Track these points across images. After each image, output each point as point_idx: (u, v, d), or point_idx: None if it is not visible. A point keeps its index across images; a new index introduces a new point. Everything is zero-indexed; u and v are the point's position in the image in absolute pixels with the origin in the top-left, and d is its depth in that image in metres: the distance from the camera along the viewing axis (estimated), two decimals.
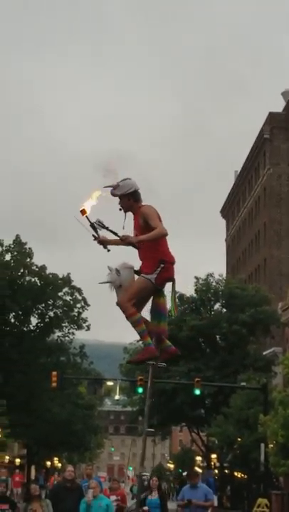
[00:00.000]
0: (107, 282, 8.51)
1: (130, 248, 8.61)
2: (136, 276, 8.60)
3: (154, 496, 16.16)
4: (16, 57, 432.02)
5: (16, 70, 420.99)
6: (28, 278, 54.21)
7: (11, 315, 54.80)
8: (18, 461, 66.24)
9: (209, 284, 56.09)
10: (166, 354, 9.04)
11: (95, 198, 8.38)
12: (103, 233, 8.54)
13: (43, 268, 54.41)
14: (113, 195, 8.51)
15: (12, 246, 54.59)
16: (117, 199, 8.55)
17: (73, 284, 59.52)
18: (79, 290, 59.63)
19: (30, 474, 67.14)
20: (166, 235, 8.50)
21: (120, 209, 8.57)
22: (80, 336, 61.50)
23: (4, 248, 55.49)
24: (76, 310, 59.18)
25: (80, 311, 59.55)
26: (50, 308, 56.17)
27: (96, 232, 8.45)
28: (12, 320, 55.40)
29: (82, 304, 59.48)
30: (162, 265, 8.51)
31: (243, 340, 52.64)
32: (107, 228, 8.40)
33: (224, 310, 56.03)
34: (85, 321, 59.81)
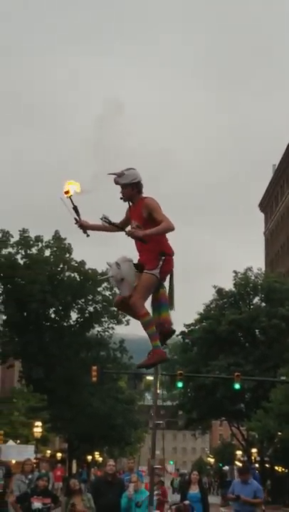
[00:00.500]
0: (109, 277, 8.40)
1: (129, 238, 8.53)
2: (134, 270, 8.47)
3: (194, 490, 16.20)
4: (60, 51, 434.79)
5: (61, 64, 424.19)
6: (67, 273, 54.60)
7: (52, 310, 55.24)
8: (59, 455, 66.67)
9: (248, 278, 55.95)
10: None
11: (78, 190, 8.28)
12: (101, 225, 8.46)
13: (82, 263, 54.74)
14: (117, 183, 8.44)
15: (51, 242, 55.02)
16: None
17: None
18: None
19: (72, 468, 67.69)
20: (173, 229, 8.42)
21: (121, 198, 8.51)
22: (120, 330, 61.77)
23: (44, 244, 55.94)
24: None
25: None
26: (90, 303, 56.52)
27: (78, 215, 8.41)
28: (52, 315, 55.85)
29: None
30: (163, 257, 8.47)
31: (282, 334, 52.42)
32: (113, 224, 8.33)
33: (263, 304, 55.84)
34: (124, 315, 60.09)
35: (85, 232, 8.59)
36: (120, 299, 8.64)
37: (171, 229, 8.41)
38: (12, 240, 57.00)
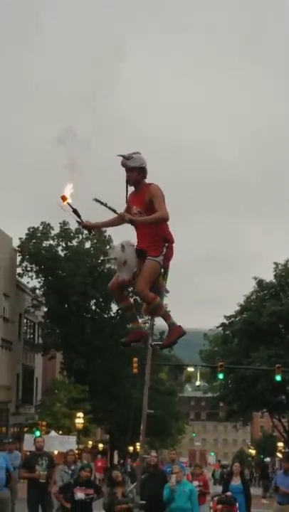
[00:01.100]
0: (112, 259, 8.40)
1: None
2: (136, 256, 8.47)
3: (236, 482, 16.18)
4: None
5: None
6: (108, 265, 54.78)
7: (92, 302, 55.50)
8: (100, 446, 67.06)
9: None
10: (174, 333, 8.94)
11: (69, 193, 8.24)
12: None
13: None
14: (124, 165, 8.38)
15: (92, 234, 55.19)
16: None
17: None
18: None
19: (113, 459, 68.01)
20: (167, 219, 8.41)
21: (127, 181, 8.46)
22: (160, 322, 61.72)
23: (84, 236, 56.18)
24: None
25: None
26: (130, 294, 56.60)
27: (79, 217, 8.39)
28: (93, 307, 56.11)
29: None
30: (166, 244, 8.52)
31: None
32: (105, 205, 8.20)
33: None
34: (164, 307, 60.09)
35: (89, 231, 8.78)
36: (117, 281, 8.55)
37: (164, 219, 8.38)
38: (53, 233, 57.39)
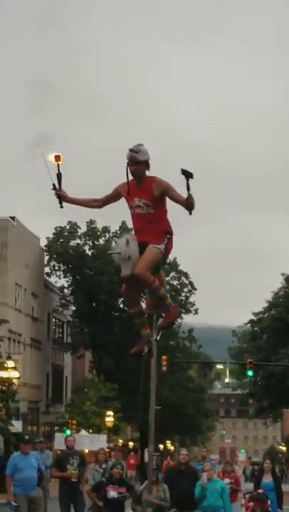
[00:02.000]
0: (116, 253, 8.23)
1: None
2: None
3: (268, 479, 16.11)
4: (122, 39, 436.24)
5: (123, 52, 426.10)
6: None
7: (120, 300, 55.58)
8: (131, 444, 67.17)
9: None
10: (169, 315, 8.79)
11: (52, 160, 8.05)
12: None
13: None
14: (134, 159, 8.22)
15: (118, 232, 55.26)
16: None
17: (180, 268, 59.86)
18: (186, 274, 59.95)
19: (144, 457, 68.01)
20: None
21: (133, 173, 8.26)
22: (188, 319, 61.75)
23: (111, 235, 56.27)
24: (183, 294, 59.49)
25: (188, 295, 59.88)
26: (159, 295, 56.60)
27: (59, 183, 8.19)
28: (121, 305, 56.18)
29: (190, 287, 59.77)
30: (168, 236, 8.43)
31: None
32: (190, 177, 7.91)
33: None
34: (192, 305, 60.10)
35: (60, 203, 8.41)
36: (129, 286, 8.45)
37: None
38: (80, 232, 57.54)
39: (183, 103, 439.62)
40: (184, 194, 8.01)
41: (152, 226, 8.35)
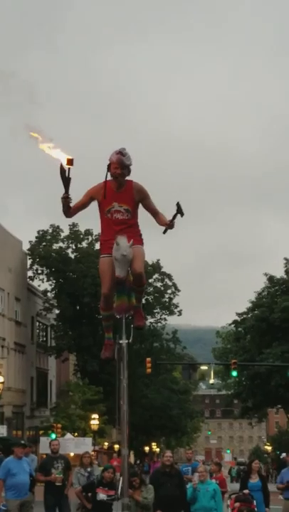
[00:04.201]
0: (122, 254, 8.10)
1: None
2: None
3: (255, 480, 16.14)
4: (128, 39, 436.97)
5: (126, 53, 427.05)
6: None
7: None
8: (116, 446, 67.09)
9: None
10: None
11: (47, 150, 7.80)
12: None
13: None
14: (122, 162, 8.12)
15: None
16: None
17: (163, 270, 59.89)
18: (169, 276, 59.98)
19: (129, 459, 67.94)
20: None
21: (117, 177, 8.16)
22: (172, 321, 61.80)
23: (94, 237, 56.22)
24: (167, 296, 59.54)
25: (171, 296, 59.93)
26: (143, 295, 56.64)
27: (67, 188, 7.95)
28: None
29: (173, 289, 59.82)
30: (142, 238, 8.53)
31: None
32: (181, 213, 8.18)
33: None
34: (176, 306, 60.16)
35: (67, 207, 8.19)
36: (111, 287, 8.41)
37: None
38: (62, 235, 57.46)
39: (180, 101, 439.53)
40: (168, 217, 8.24)
41: (132, 230, 8.36)
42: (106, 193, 8.22)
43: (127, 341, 8.76)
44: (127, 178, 8.30)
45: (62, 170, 7.80)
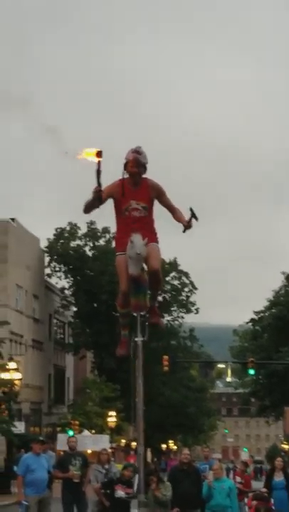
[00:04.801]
0: (136, 253, 8.10)
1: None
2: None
3: (279, 477, 16.00)
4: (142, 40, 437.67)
5: (146, 53, 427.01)
6: None
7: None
8: (134, 444, 67.13)
9: None
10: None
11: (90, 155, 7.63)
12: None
13: None
14: (138, 161, 8.19)
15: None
16: None
17: (180, 268, 59.86)
18: (186, 274, 59.95)
19: (146, 457, 68.06)
20: None
21: (134, 175, 8.22)
22: (189, 319, 61.75)
23: (111, 235, 56.29)
24: (184, 294, 59.52)
25: (188, 294, 59.90)
26: (159, 292, 56.61)
27: (99, 181, 7.83)
28: None
29: (190, 287, 59.79)
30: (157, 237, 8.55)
31: None
32: (195, 218, 8.24)
33: None
34: (193, 304, 60.11)
35: (98, 200, 8.12)
36: (127, 285, 8.44)
37: None
38: (80, 233, 57.57)
39: (192, 94, 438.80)
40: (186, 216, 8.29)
41: (148, 228, 8.42)
42: (124, 191, 8.27)
43: (142, 339, 8.75)
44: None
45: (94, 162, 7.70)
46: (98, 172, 7.74)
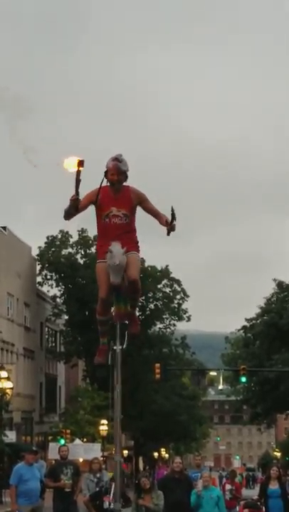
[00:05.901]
0: (117, 264, 8.15)
1: None
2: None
3: (274, 486, 15.97)
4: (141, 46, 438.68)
5: (142, 59, 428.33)
6: None
7: (112, 308, 55.56)
8: (125, 452, 67.00)
9: None
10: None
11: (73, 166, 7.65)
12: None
13: (142, 261, 54.92)
14: (119, 169, 8.18)
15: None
16: None
17: (172, 275, 59.86)
18: (178, 281, 59.94)
19: (138, 465, 67.95)
20: None
21: (114, 183, 8.21)
22: (181, 327, 61.72)
23: None
24: (176, 301, 59.49)
25: (180, 302, 59.88)
26: (151, 300, 56.60)
27: (77, 189, 7.84)
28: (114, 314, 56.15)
29: (182, 295, 59.77)
30: (138, 245, 8.57)
31: None
32: (174, 218, 8.18)
33: None
34: (185, 311, 60.09)
35: (74, 208, 8.13)
36: (108, 291, 8.53)
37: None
38: (71, 240, 57.53)
39: (190, 104, 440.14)
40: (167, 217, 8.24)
41: (129, 236, 8.43)
42: (104, 198, 8.26)
43: (121, 347, 8.80)
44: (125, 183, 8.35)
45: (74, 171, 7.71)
46: (77, 181, 7.75)
